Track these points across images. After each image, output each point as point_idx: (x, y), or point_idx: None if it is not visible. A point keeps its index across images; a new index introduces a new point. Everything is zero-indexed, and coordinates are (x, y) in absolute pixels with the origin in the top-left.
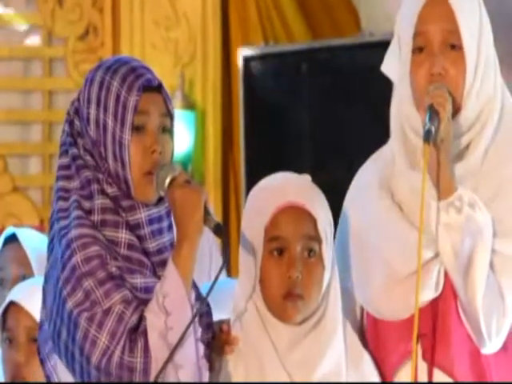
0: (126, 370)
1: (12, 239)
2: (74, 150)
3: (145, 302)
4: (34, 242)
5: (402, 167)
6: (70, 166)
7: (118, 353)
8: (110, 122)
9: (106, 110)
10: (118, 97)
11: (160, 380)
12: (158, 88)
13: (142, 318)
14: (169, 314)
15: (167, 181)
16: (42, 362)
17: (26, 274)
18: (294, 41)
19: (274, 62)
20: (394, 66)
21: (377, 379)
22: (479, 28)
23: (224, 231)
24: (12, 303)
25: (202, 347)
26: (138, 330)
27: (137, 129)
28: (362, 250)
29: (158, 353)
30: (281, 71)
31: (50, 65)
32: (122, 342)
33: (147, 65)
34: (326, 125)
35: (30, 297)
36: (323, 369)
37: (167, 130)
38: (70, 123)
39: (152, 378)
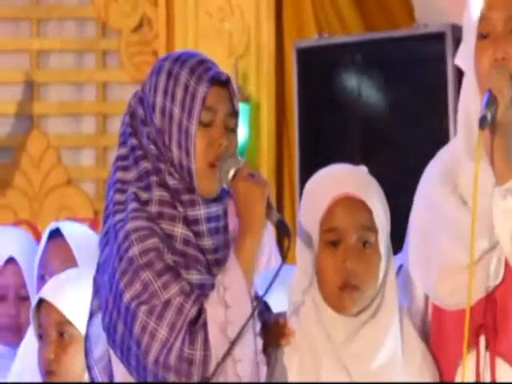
0: (186, 362)
1: (56, 234)
2: (133, 140)
3: (203, 295)
4: (79, 237)
5: (463, 159)
6: (127, 157)
7: (178, 345)
8: (176, 111)
9: (173, 98)
10: (186, 87)
11: (219, 373)
12: (226, 83)
13: (201, 310)
14: (229, 307)
15: (231, 173)
16: (89, 369)
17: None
18: (348, 32)
19: (327, 54)
20: (464, 56)
21: (433, 372)
22: None
23: (286, 227)
24: (42, 300)
25: (260, 342)
26: (197, 322)
27: (204, 125)
28: (424, 240)
29: (218, 346)
30: (335, 63)
31: (104, 57)
32: (182, 334)
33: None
34: (380, 116)
35: (58, 293)
36: (379, 361)
37: (232, 130)
38: (131, 114)
39: (210, 372)
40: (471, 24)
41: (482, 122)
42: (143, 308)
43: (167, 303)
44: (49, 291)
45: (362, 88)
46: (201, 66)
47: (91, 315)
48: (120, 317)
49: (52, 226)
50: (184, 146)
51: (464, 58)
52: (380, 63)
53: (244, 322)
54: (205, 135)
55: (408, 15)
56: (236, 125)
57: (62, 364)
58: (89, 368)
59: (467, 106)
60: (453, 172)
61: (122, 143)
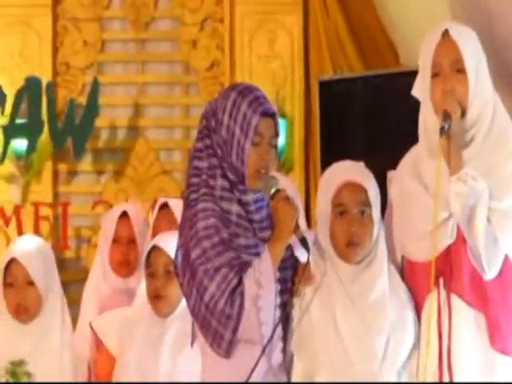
0: (225, 316)
1: (163, 206)
2: (206, 141)
3: (245, 263)
4: (179, 208)
5: (425, 157)
6: (202, 150)
7: (222, 303)
8: (237, 131)
9: (235, 121)
10: (244, 115)
11: (245, 320)
12: (272, 114)
13: (240, 281)
14: (261, 286)
15: (273, 190)
16: (181, 285)
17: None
18: (353, 70)
19: (340, 85)
20: (421, 89)
21: (410, 302)
22: (477, 57)
23: (307, 244)
24: (154, 247)
25: (278, 312)
26: (237, 290)
27: (254, 144)
28: (399, 215)
29: (248, 312)
30: (345, 91)
31: (187, 88)
32: (225, 296)
33: (263, 92)
34: (378, 133)
35: (167, 242)
36: (374, 295)
37: (273, 146)
38: (207, 119)
39: (240, 329)
40: (427, 66)
41: (442, 131)
42: (201, 268)
43: (217, 269)
44: (160, 240)
45: (365, 111)
46: (256, 102)
47: (177, 248)
48: (188, 266)
49: (161, 201)
50: (240, 157)
51: (420, 90)
52: (377, 93)
53: (269, 297)
54: (254, 152)
55: (395, 57)
56: (276, 142)
57: (167, 290)
58: (181, 284)
59: (426, 123)
60: (417, 165)
61: (200, 139)
